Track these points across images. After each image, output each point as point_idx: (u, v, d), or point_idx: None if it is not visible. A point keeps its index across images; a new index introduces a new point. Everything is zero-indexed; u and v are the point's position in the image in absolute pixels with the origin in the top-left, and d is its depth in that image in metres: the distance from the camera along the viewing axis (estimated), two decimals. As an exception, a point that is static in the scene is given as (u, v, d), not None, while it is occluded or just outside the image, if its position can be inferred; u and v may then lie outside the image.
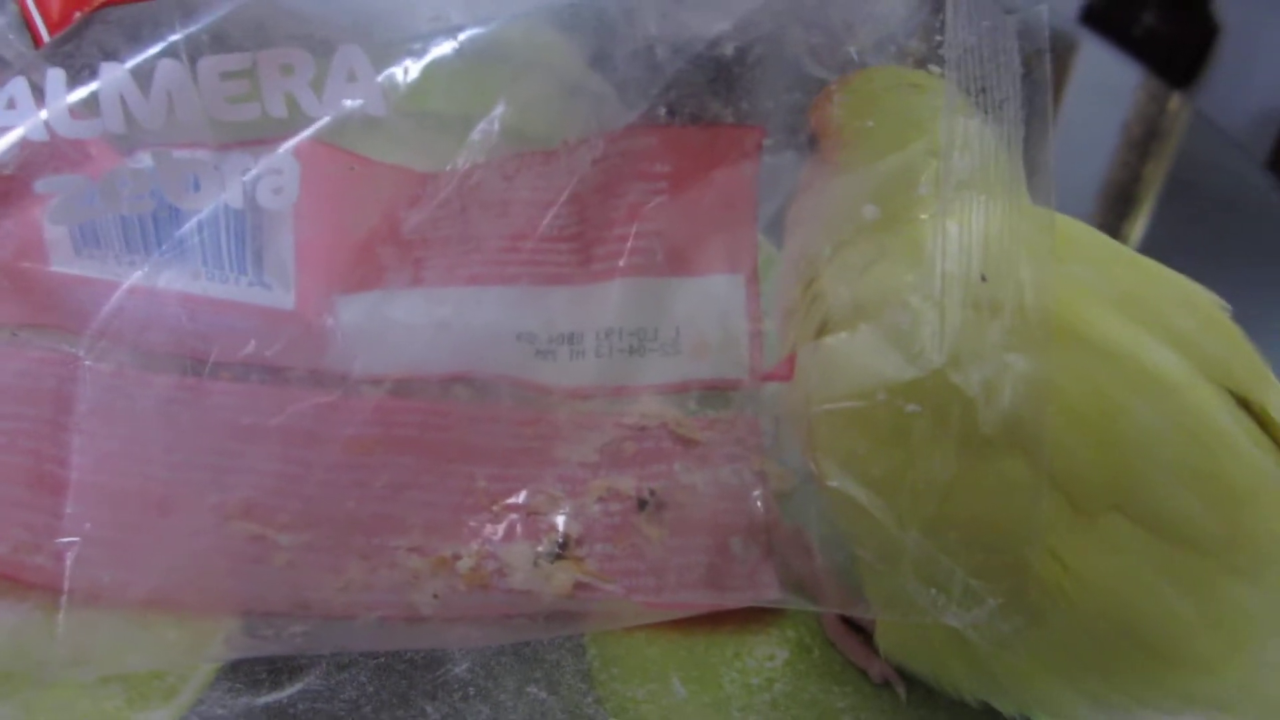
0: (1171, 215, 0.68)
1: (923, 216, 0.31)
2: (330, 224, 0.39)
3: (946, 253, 0.30)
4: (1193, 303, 0.31)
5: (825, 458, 0.31)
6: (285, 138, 0.36)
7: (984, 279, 0.29)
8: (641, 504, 0.40)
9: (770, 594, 0.36)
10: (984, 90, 0.30)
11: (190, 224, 0.36)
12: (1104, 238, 0.34)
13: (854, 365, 0.31)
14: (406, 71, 0.38)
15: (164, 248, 0.37)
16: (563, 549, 0.38)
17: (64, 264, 0.42)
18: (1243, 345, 0.31)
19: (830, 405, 0.31)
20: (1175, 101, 0.82)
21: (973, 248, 0.30)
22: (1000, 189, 0.30)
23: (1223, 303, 0.32)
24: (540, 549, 0.38)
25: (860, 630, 0.37)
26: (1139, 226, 0.68)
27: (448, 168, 0.39)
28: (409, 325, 0.43)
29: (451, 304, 0.44)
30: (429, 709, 0.34)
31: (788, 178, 0.42)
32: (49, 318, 0.40)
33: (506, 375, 0.44)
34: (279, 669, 0.35)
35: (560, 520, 0.38)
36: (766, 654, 0.37)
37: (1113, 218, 0.68)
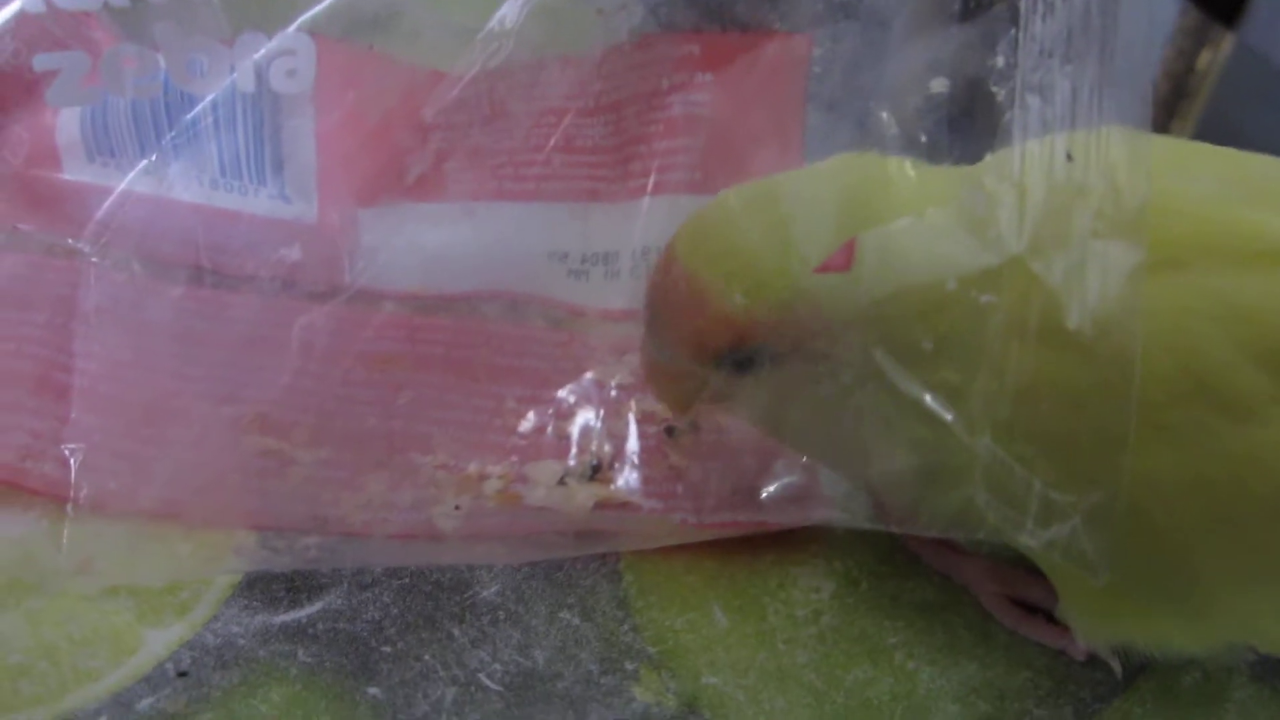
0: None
1: (998, 89, 0.28)
2: (351, 117, 0.37)
3: (1027, 128, 0.27)
4: None
5: (886, 357, 0.28)
6: (299, 12, 0.34)
7: (1070, 158, 0.26)
8: (676, 427, 0.37)
9: (818, 513, 0.34)
10: None
11: (201, 107, 0.34)
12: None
13: (921, 252, 0.28)
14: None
15: (173, 134, 0.34)
16: (596, 470, 0.36)
17: (76, 171, 0.40)
18: None
19: (893, 296, 0.28)
20: (1218, 36, 0.79)
21: (1057, 122, 0.27)
22: (1089, 58, 0.27)
23: None
24: (572, 468, 0.35)
25: (1033, 608, 0.34)
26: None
27: (471, 69, 0.37)
28: (435, 241, 0.41)
29: (479, 219, 0.42)
30: (456, 632, 0.32)
31: (837, 111, 0.40)
32: (57, 224, 0.38)
33: (537, 295, 0.42)
34: (298, 587, 0.33)
35: (594, 442, 0.36)
36: (812, 585, 0.35)
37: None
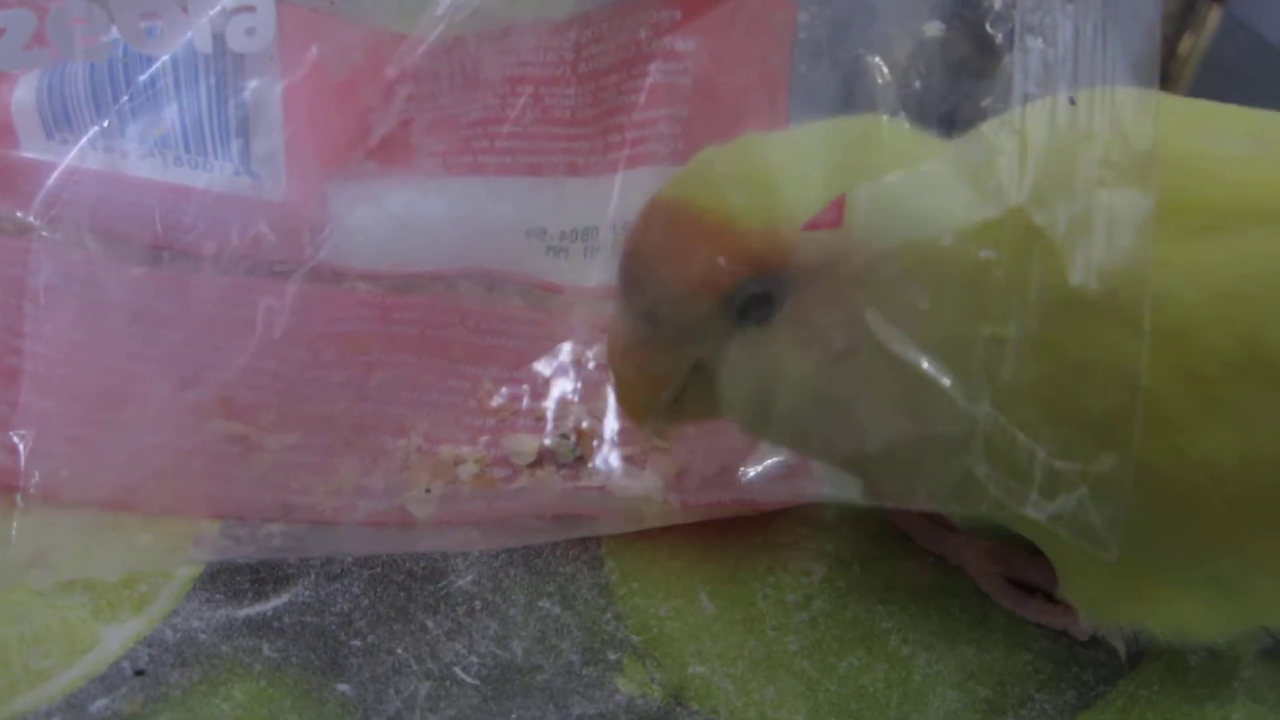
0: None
1: (996, 32, 0.26)
2: (314, 74, 0.35)
3: (1027, 72, 0.25)
4: None
5: (880, 317, 0.26)
6: None
7: (1073, 102, 0.25)
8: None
9: (808, 490, 0.32)
10: None
11: (156, 67, 0.32)
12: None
13: (915, 206, 0.26)
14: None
15: (127, 97, 0.32)
16: (574, 449, 0.34)
17: (34, 149, 0.38)
18: None
19: (886, 253, 0.26)
20: (1200, 19, 0.77)
21: (1059, 66, 0.25)
22: None
23: None
24: (548, 446, 0.34)
25: (1031, 589, 0.32)
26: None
27: (436, 27, 0.35)
28: (407, 217, 0.40)
29: (452, 193, 0.40)
30: (430, 624, 0.31)
31: (825, 57, 0.38)
32: (7, 198, 0.37)
33: (515, 273, 0.40)
34: (263, 579, 0.31)
35: (571, 419, 0.35)
36: (802, 569, 0.33)
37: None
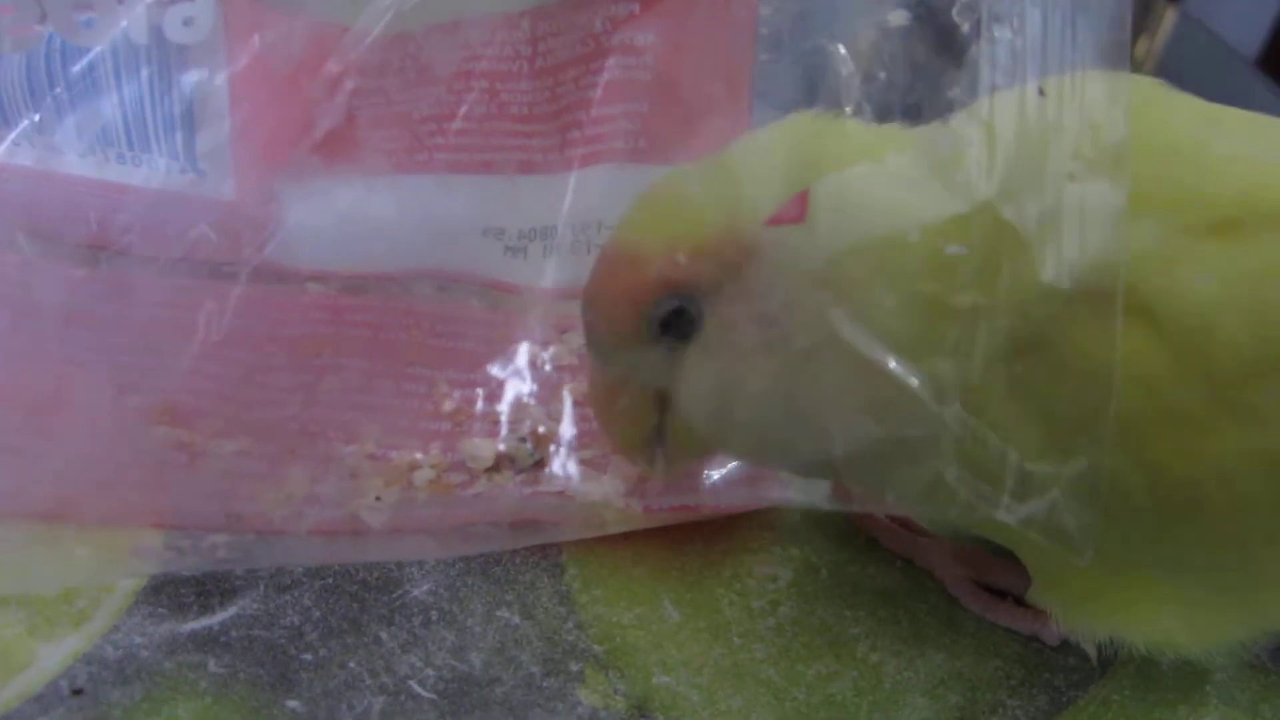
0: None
1: (962, 21, 0.26)
2: (257, 66, 0.34)
3: (995, 62, 0.25)
4: None
5: (845, 317, 0.25)
6: None
7: (1042, 93, 0.24)
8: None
9: (773, 494, 0.31)
10: None
11: (90, 58, 0.31)
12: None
13: (881, 200, 0.25)
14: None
15: (59, 90, 0.31)
16: (535, 457, 0.33)
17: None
18: None
19: (851, 250, 0.25)
20: (1155, 22, 0.78)
21: (1027, 56, 0.25)
22: None
23: None
24: (504, 451, 0.33)
25: (1001, 593, 0.32)
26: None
27: (382, 18, 0.34)
28: (358, 216, 0.39)
29: (405, 192, 0.39)
30: (384, 636, 0.30)
31: (787, 49, 0.37)
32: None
33: (472, 274, 0.39)
34: (209, 591, 0.30)
35: (527, 423, 0.34)
36: (768, 574, 0.33)
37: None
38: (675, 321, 0.27)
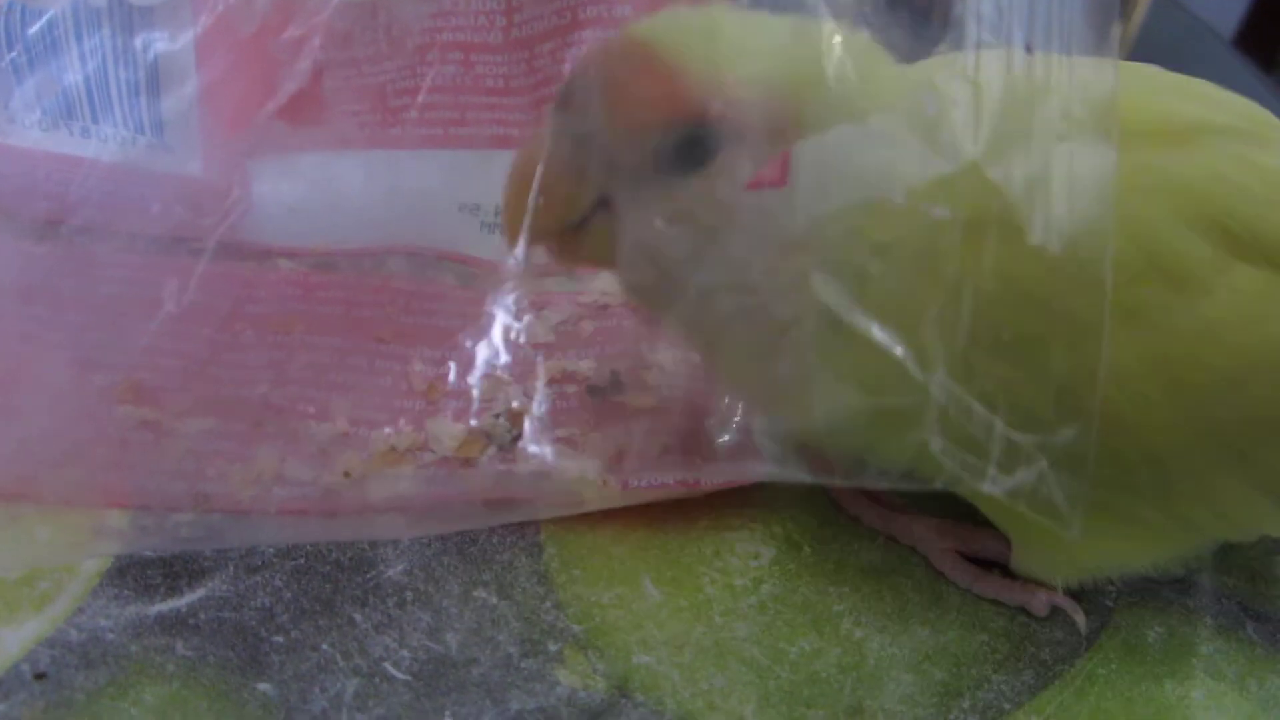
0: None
1: None
2: (225, 38, 0.33)
3: (981, 18, 0.24)
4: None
5: (827, 282, 0.25)
6: None
7: (1029, 50, 0.24)
8: (600, 386, 0.34)
9: (755, 470, 0.31)
10: None
11: (45, 21, 0.30)
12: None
13: (865, 162, 0.25)
14: None
15: (14, 54, 0.30)
16: (510, 435, 0.32)
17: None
18: None
19: (833, 213, 0.24)
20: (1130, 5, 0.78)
21: (1013, 12, 0.24)
22: None
23: None
24: (476, 427, 0.32)
25: (988, 564, 0.32)
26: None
27: None
28: (329, 191, 0.38)
29: (381, 169, 0.38)
30: (358, 617, 0.29)
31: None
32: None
33: (448, 251, 0.39)
34: (176, 573, 0.29)
35: (501, 399, 0.33)
36: (750, 552, 0.32)
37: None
38: (686, 152, 0.26)
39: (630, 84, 0.26)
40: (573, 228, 0.28)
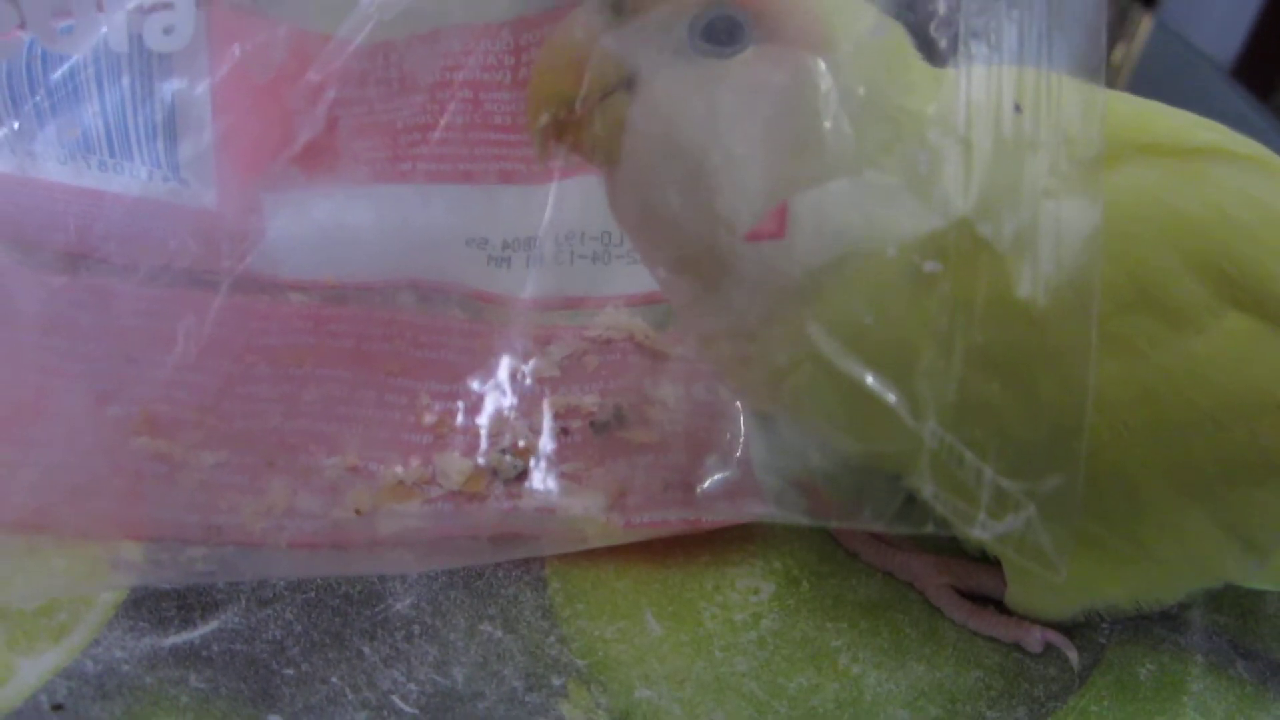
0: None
1: (940, 36, 0.26)
2: (238, 75, 0.34)
3: (971, 79, 0.25)
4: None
5: (823, 332, 0.25)
6: None
7: (1018, 109, 0.25)
8: (604, 421, 0.35)
9: (754, 508, 0.32)
10: None
11: (69, 66, 0.31)
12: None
13: (859, 216, 0.25)
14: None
15: (38, 98, 0.31)
16: (517, 469, 0.33)
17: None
18: None
19: (829, 264, 0.25)
20: (1133, 28, 0.79)
21: (1003, 73, 0.25)
22: (1037, 1, 0.25)
23: None
24: (483, 465, 0.33)
25: (984, 599, 0.32)
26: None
27: (363, 27, 0.34)
28: (339, 226, 0.38)
29: (382, 202, 0.39)
30: (366, 650, 0.29)
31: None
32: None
33: (456, 284, 0.39)
34: (190, 605, 0.30)
35: (507, 436, 0.34)
36: (750, 587, 0.33)
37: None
38: (723, 32, 0.26)
39: None
40: (590, 103, 0.27)
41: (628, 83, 0.27)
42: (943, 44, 0.25)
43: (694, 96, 0.26)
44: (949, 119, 0.25)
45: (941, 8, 0.25)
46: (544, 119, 0.28)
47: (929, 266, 0.24)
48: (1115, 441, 0.26)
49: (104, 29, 0.31)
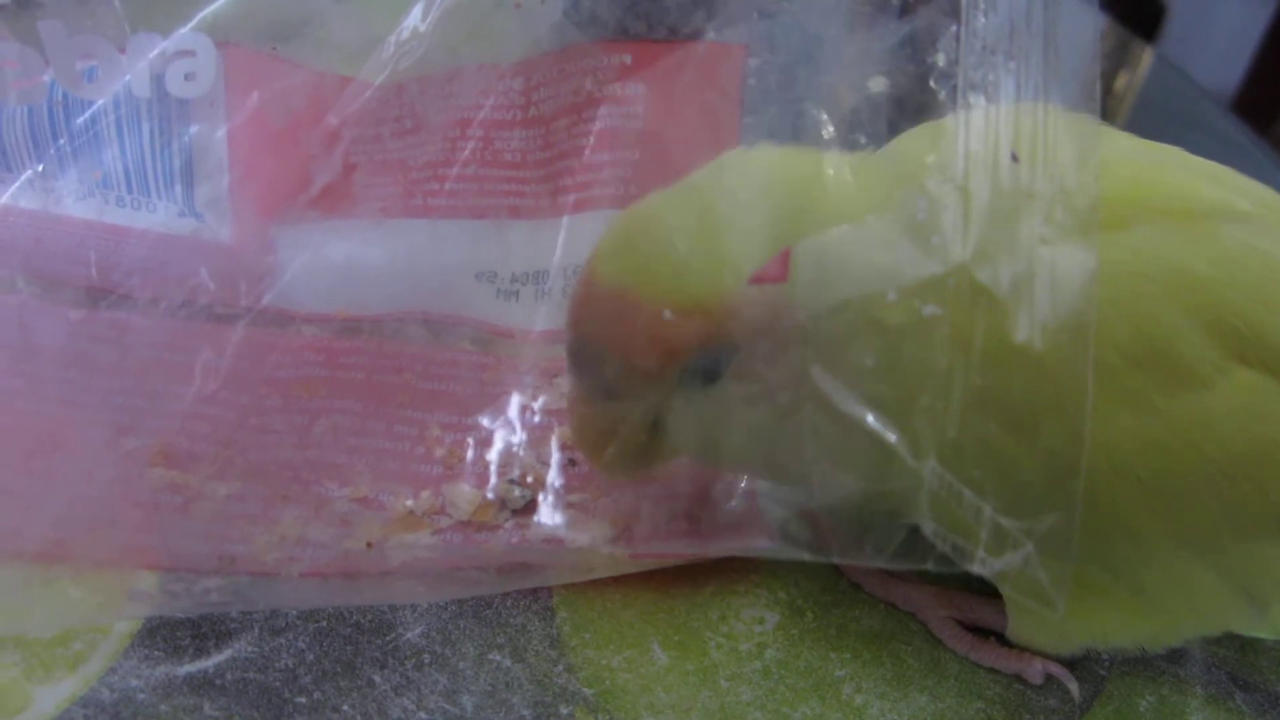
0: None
1: (939, 88, 0.27)
2: (256, 120, 0.35)
3: (970, 129, 0.26)
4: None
5: (825, 373, 0.26)
6: (196, 11, 0.32)
7: (1015, 159, 0.25)
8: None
9: (759, 542, 0.32)
10: None
11: (92, 111, 0.31)
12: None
13: (860, 261, 0.26)
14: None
15: (62, 141, 0.32)
16: (525, 500, 0.34)
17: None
18: None
19: (831, 308, 0.26)
20: (1135, 58, 0.80)
21: (1001, 123, 0.26)
22: (1034, 54, 0.26)
23: None
24: (492, 499, 0.33)
25: (986, 631, 0.33)
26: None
27: (381, 72, 0.35)
28: (353, 260, 0.39)
29: (395, 235, 0.40)
30: (377, 679, 0.30)
31: (772, 104, 0.38)
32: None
33: (465, 317, 0.40)
34: (204, 634, 0.30)
35: (516, 469, 0.34)
36: (755, 617, 0.33)
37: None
38: (702, 370, 0.28)
39: (629, 338, 0.28)
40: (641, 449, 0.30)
41: (654, 424, 0.30)
42: (942, 96, 0.26)
43: (705, 419, 0.29)
44: (948, 168, 0.25)
45: (941, 60, 0.26)
46: (620, 476, 0.32)
47: (928, 310, 0.25)
48: (1124, 490, 0.27)
49: (127, 75, 0.32)
